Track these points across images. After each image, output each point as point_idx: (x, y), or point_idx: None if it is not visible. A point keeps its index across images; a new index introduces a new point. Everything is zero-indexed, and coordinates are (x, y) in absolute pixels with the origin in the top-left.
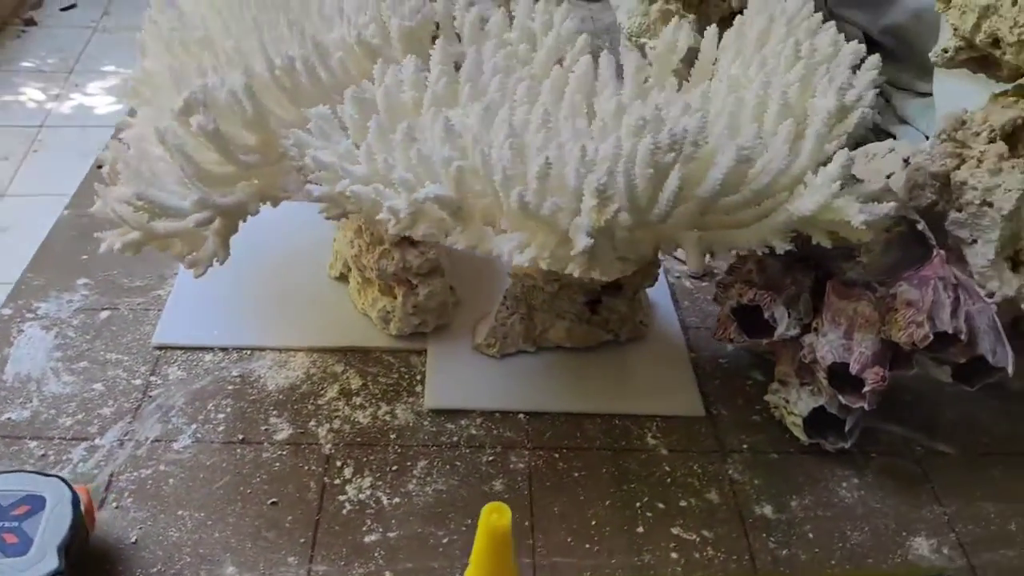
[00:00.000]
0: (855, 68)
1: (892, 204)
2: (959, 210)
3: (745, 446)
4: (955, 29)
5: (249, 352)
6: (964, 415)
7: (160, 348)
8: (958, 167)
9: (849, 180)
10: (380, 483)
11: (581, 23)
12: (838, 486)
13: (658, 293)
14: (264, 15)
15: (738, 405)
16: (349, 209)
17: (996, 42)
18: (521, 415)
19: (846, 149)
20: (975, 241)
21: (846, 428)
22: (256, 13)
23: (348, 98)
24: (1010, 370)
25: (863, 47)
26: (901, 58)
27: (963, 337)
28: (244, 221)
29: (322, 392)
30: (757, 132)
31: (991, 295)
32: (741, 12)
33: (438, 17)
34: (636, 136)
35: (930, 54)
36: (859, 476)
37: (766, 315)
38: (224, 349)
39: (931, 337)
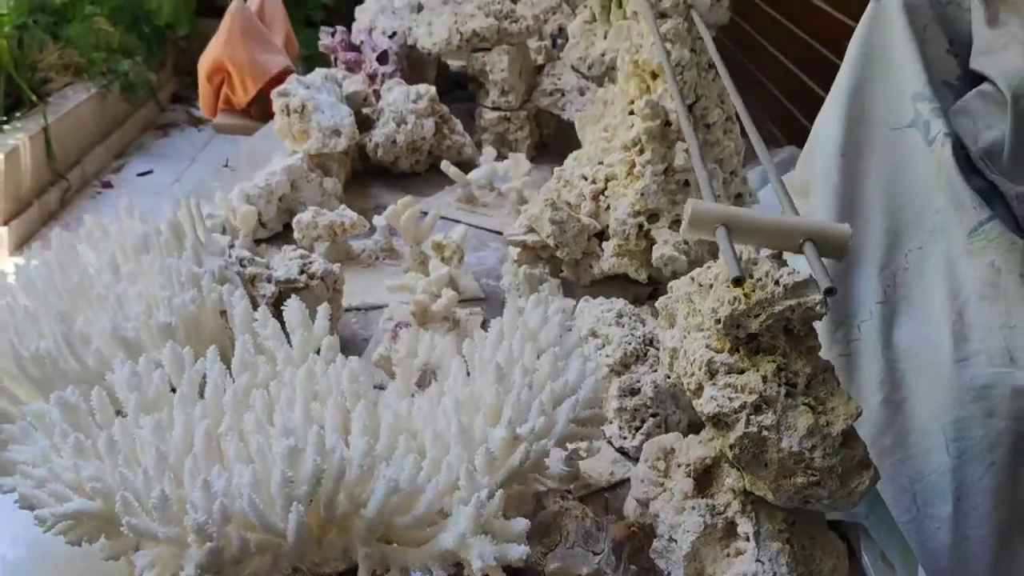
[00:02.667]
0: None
1: (523, 549)
2: (659, 539)
3: None
4: (668, 367)
5: None
6: None
7: None
8: (657, 497)
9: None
10: None
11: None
12: None
13: None
14: (40, 303)
15: None
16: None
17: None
18: None
19: (489, 489)
20: (670, 574)
21: None
22: (33, 304)
23: (52, 400)
24: None
25: (593, 376)
26: None
27: None
28: None
29: None
30: (415, 462)
31: None
32: (608, 277)
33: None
34: (287, 461)
35: None
36: None
37: None
38: None
39: None
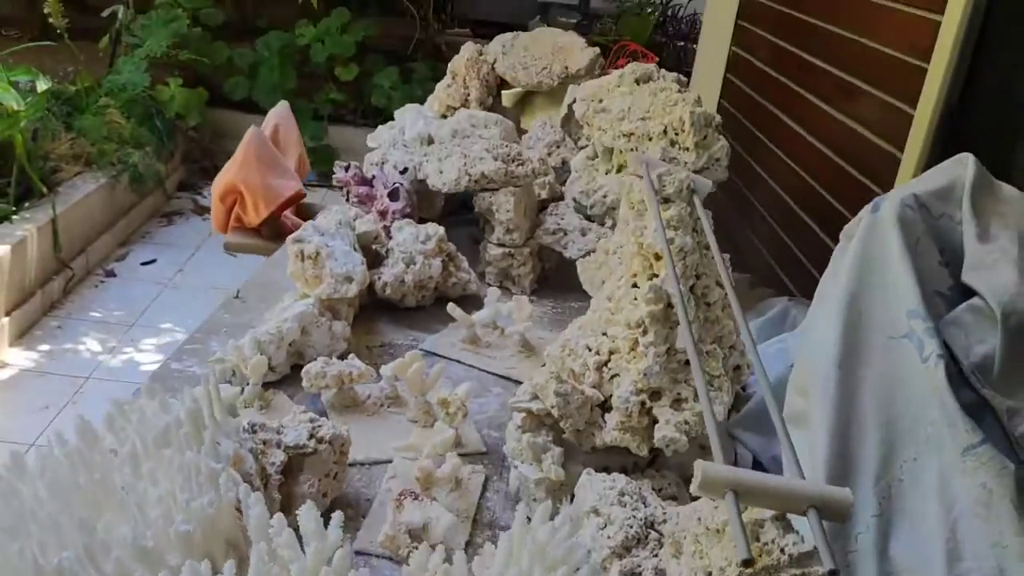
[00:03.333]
0: None
1: None
2: None
3: None
4: None
5: None
6: None
7: None
8: None
9: None
10: None
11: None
12: None
13: None
14: (63, 505)
15: None
16: None
17: None
18: None
19: None
20: None
21: None
22: (56, 506)
23: None
24: None
25: None
26: None
27: None
28: None
29: None
30: None
31: None
32: (608, 448)
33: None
34: None
35: None
36: None
37: None
38: None
39: None
